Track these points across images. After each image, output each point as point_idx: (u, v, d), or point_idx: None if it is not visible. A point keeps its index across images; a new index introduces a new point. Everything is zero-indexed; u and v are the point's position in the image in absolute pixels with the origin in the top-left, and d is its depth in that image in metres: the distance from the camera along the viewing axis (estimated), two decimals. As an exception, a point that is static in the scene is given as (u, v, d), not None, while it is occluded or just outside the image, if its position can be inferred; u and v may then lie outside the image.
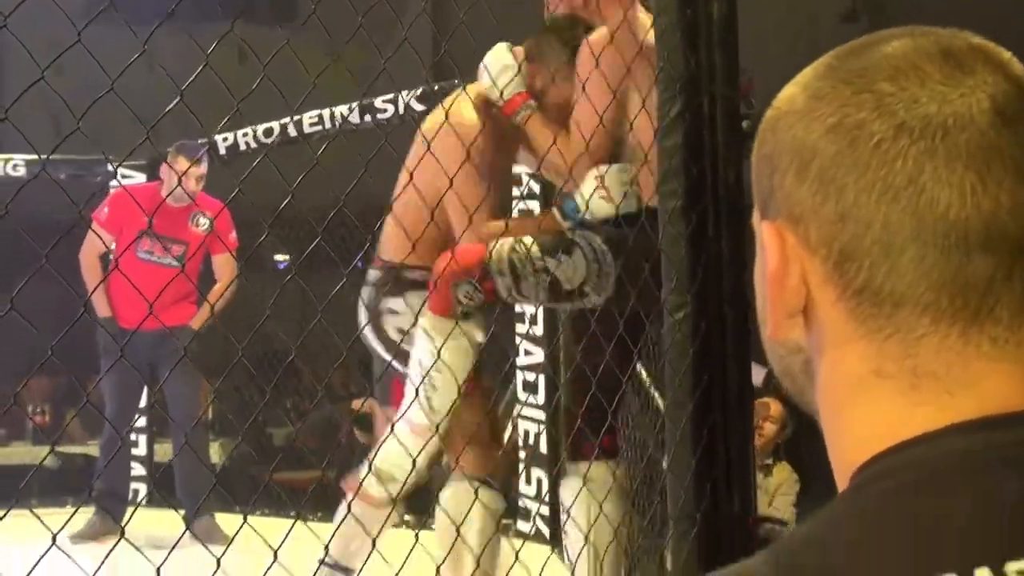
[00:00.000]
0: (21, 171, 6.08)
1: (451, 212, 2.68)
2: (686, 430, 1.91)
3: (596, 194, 2.69)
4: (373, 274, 2.95)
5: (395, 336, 2.85)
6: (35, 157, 6.00)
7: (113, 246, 5.22)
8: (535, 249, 2.64)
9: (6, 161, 6.05)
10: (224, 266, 5.17)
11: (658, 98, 2.02)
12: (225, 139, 5.57)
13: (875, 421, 0.55)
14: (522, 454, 4.74)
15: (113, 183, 5.97)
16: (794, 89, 0.61)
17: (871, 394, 0.56)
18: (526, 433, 4.48)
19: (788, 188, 0.58)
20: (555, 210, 2.79)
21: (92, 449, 6.87)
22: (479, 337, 2.69)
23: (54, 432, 7.51)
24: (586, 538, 2.45)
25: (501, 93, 2.80)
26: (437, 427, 2.32)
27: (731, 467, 1.95)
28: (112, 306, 5.03)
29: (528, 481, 4.59)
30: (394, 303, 2.87)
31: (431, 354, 2.56)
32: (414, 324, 2.56)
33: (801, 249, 0.58)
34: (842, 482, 0.56)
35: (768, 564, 0.52)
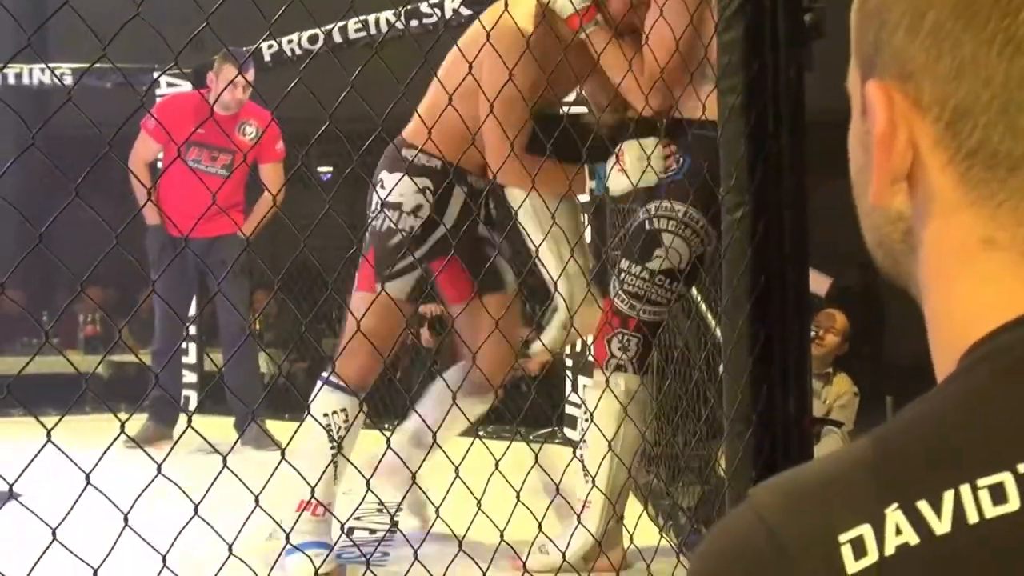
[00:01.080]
0: (68, 80, 6.08)
1: (486, 127, 2.60)
2: (743, 331, 1.88)
3: (613, 170, 2.77)
4: (389, 149, 2.92)
5: (370, 210, 2.92)
6: (82, 66, 6.02)
7: (161, 155, 5.22)
8: (633, 268, 2.77)
9: (53, 70, 6.05)
10: (271, 175, 5.16)
11: (718, -10, 1.96)
12: (270, 46, 5.52)
13: (985, 296, 0.52)
14: (568, 362, 4.74)
15: (160, 92, 5.97)
16: None
17: (980, 266, 0.52)
18: (573, 342, 4.46)
19: (898, 44, 0.54)
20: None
21: (144, 358, 6.96)
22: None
23: (106, 341, 7.62)
24: (609, 444, 2.47)
25: (572, 4, 2.72)
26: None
27: (787, 369, 1.92)
28: (163, 214, 5.06)
29: (575, 389, 4.60)
30: (387, 177, 2.88)
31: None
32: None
33: (910, 109, 0.54)
34: (946, 359, 0.52)
35: (873, 449, 0.49)
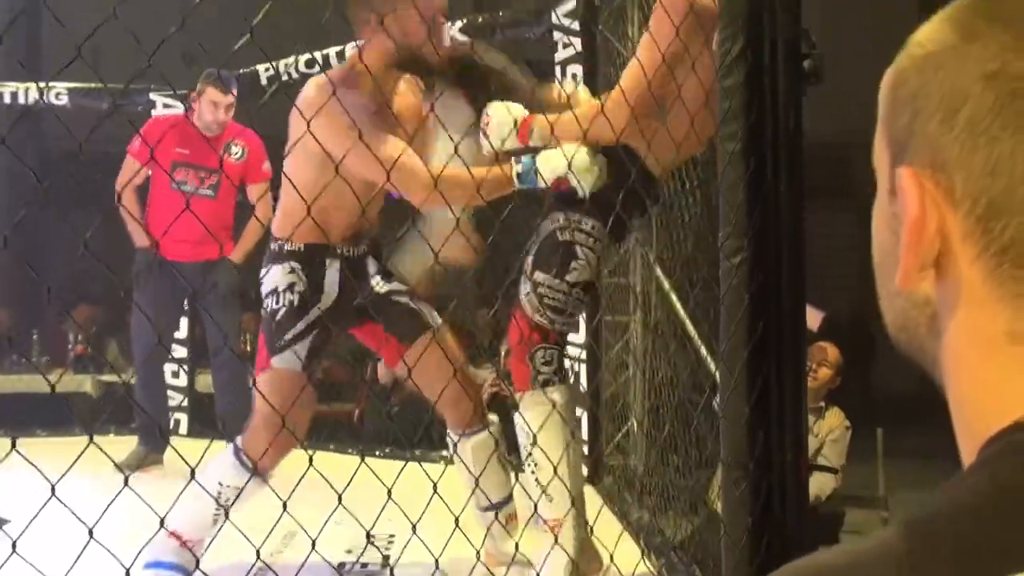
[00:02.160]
0: (64, 100, 6.08)
1: (353, 169, 2.61)
2: (740, 377, 1.88)
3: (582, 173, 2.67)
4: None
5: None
6: (77, 86, 6.01)
7: (149, 176, 5.19)
8: (546, 279, 2.76)
9: (49, 89, 6.04)
10: (258, 195, 5.11)
11: (719, 35, 1.97)
12: (267, 69, 5.53)
13: (1008, 388, 0.52)
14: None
15: (157, 114, 5.97)
16: (942, 26, 0.56)
17: (1005, 359, 0.52)
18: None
19: (932, 134, 0.54)
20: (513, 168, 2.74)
21: (134, 379, 6.94)
22: None
23: (96, 361, 7.58)
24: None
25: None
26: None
27: (784, 415, 1.92)
28: (151, 236, 5.04)
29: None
30: (263, 272, 2.99)
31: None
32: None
33: (942, 199, 0.54)
34: (969, 445, 0.53)
35: (903, 538, 0.50)
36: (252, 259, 5.23)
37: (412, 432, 5.20)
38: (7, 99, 6.16)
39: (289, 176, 2.73)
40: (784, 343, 1.92)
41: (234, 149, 5.03)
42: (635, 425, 4.86)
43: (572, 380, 4.49)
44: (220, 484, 2.75)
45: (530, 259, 2.80)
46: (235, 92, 4.95)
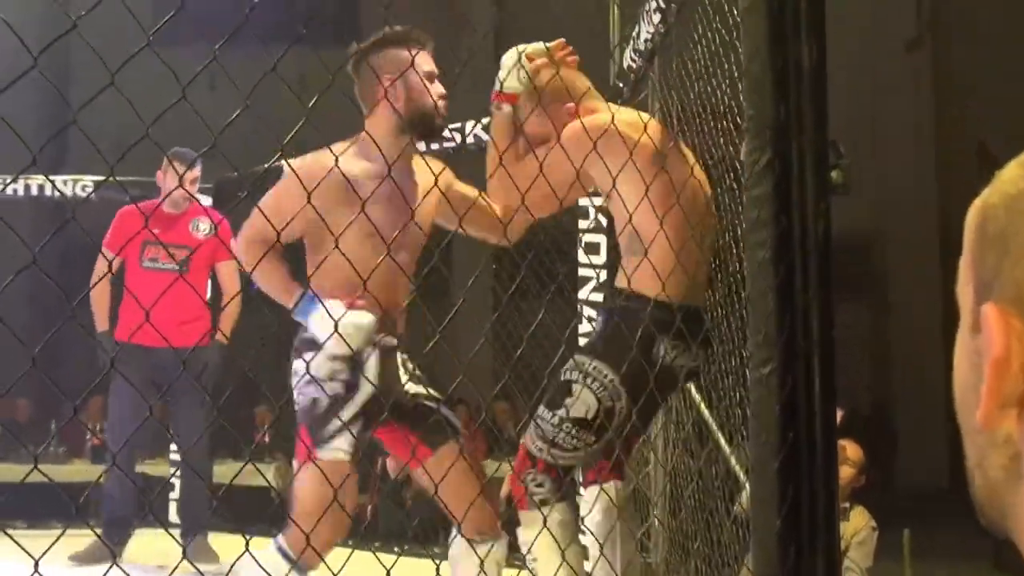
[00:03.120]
0: (90, 190, 6.14)
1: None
2: (770, 490, 1.86)
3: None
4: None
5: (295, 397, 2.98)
6: (104, 178, 6.08)
7: (123, 263, 5.16)
8: (544, 413, 2.92)
9: (75, 181, 6.12)
10: (229, 273, 5.17)
11: (747, 147, 1.98)
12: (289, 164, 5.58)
13: None
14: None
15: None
16: None
17: None
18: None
19: (1020, 276, 0.54)
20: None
21: (149, 468, 6.92)
22: None
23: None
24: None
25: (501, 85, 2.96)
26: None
27: (815, 528, 1.89)
28: (125, 324, 4.99)
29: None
30: (297, 363, 2.95)
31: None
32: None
33: None
34: None
35: None
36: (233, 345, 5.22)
37: (430, 528, 5.15)
38: (34, 191, 6.23)
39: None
40: (815, 454, 1.90)
41: (201, 226, 5.09)
42: (656, 522, 4.81)
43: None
44: None
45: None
46: (199, 168, 5.05)
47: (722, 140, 3.57)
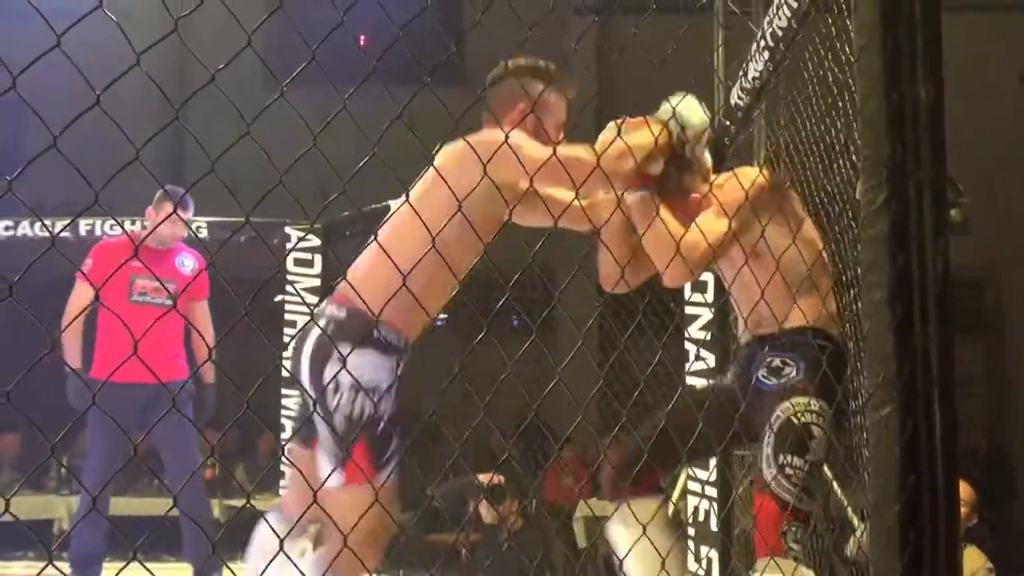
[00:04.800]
0: (203, 233, 6.32)
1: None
2: (891, 535, 1.82)
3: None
4: (334, 311, 2.71)
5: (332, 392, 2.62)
6: (218, 220, 6.25)
7: (98, 297, 5.13)
8: (795, 461, 2.89)
9: (192, 224, 6.28)
10: (204, 312, 5.24)
11: (862, 185, 1.96)
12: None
13: None
14: (691, 531, 4.64)
15: (291, 245, 6.14)
16: None
17: None
18: (695, 509, 4.38)
19: None
20: None
21: (259, 503, 7.04)
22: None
23: (222, 484, 7.70)
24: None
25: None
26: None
27: (938, 574, 1.85)
28: (104, 359, 4.98)
29: (697, 559, 4.49)
30: (354, 356, 2.56)
31: None
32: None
33: None
34: None
35: None
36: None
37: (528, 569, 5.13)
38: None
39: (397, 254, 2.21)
40: (937, 497, 1.86)
41: (186, 262, 5.17)
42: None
43: (701, 518, 4.41)
44: None
45: (769, 447, 2.93)
46: (191, 208, 5.11)
47: (836, 178, 3.54)
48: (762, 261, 2.82)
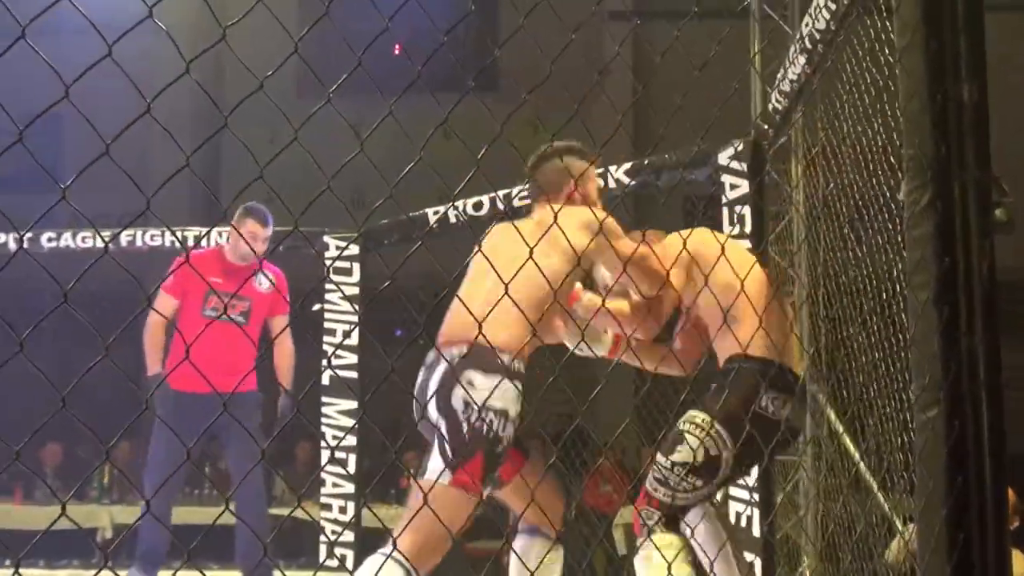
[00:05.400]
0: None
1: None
2: (940, 536, 1.81)
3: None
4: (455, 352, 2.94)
5: (461, 409, 2.87)
6: (291, 229, 6.28)
7: (178, 310, 5.24)
8: (659, 458, 3.30)
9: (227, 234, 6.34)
10: (283, 328, 5.33)
11: (906, 186, 1.95)
12: (435, 212, 5.70)
13: None
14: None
15: (328, 255, 6.18)
16: None
17: None
18: (737, 516, 4.36)
19: None
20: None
21: (300, 512, 7.07)
22: None
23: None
24: None
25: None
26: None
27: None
28: (177, 370, 4.90)
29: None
30: (484, 379, 2.85)
31: None
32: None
33: None
34: None
35: None
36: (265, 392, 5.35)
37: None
38: (191, 242, 6.48)
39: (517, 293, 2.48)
40: (985, 499, 1.84)
41: (263, 279, 5.21)
42: (807, 571, 4.71)
43: (744, 524, 4.39)
44: None
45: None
46: (271, 226, 5.17)
47: (873, 181, 3.52)
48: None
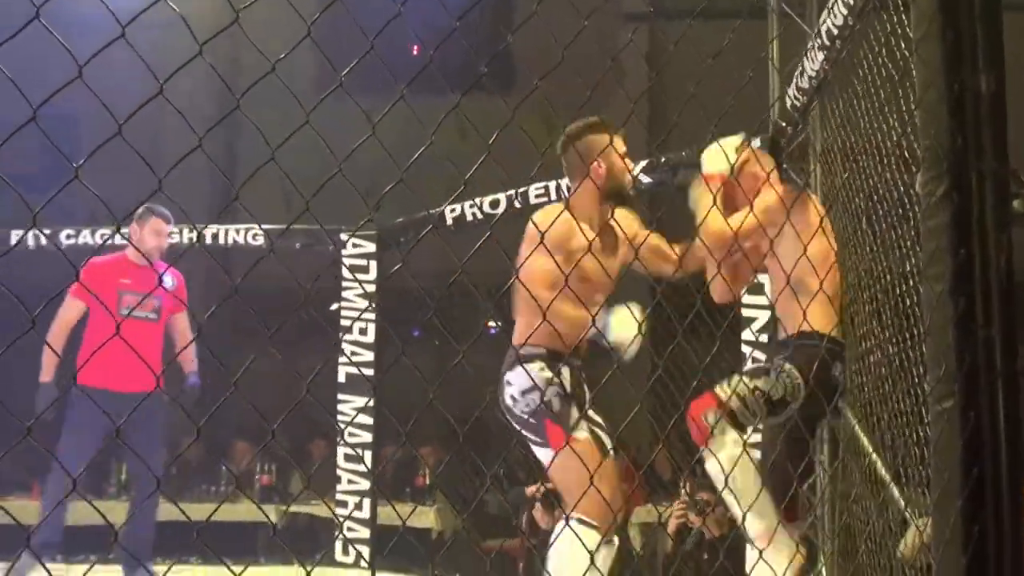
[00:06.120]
0: (259, 240, 6.39)
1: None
2: (955, 528, 1.80)
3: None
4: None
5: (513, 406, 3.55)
6: (275, 227, 6.31)
7: (87, 313, 5.42)
8: (745, 378, 3.58)
9: (247, 230, 6.36)
10: (185, 324, 5.56)
11: (922, 177, 1.94)
12: (452, 210, 5.70)
13: None
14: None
15: (347, 253, 6.18)
16: None
17: None
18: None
19: None
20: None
21: (316, 509, 7.10)
22: None
23: (280, 492, 7.76)
24: None
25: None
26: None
27: (1002, 568, 1.82)
28: (89, 368, 4.99)
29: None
30: (511, 375, 3.53)
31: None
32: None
33: None
34: None
35: None
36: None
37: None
38: (208, 240, 6.51)
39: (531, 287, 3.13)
40: (1001, 491, 1.83)
41: (167, 278, 5.43)
42: (822, 566, 4.69)
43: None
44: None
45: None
46: (172, 224, 5.42)
47: (888, 175, 3.51)
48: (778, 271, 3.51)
